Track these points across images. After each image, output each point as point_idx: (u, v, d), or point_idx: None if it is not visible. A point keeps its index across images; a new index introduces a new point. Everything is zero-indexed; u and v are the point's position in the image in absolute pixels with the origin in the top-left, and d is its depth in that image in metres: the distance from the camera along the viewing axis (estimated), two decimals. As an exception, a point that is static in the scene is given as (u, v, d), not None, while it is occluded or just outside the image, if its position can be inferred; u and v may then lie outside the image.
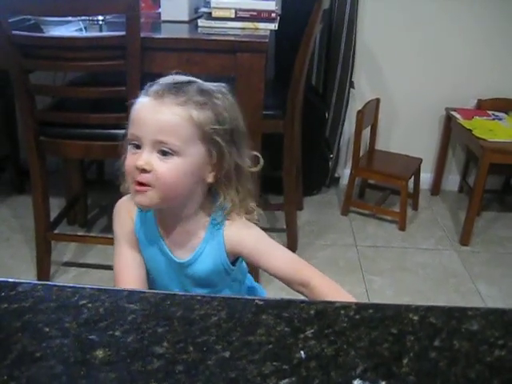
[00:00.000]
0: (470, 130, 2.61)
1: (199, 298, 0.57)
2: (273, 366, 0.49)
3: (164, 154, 0.92)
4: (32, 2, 1.74)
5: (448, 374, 0.49)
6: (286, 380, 0.47)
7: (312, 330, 0.53)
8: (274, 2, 2.02)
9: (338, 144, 3.06)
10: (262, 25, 1.99)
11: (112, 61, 1.81)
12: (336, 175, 3.19)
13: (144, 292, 0.58)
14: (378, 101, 2.92)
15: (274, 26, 2.00)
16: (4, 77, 1.95)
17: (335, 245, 2.58)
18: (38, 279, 2.18)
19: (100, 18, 2.11)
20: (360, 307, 0.57)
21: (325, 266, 2.39)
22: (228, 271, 1.05)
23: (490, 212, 2.96)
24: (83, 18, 2.10)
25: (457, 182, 3.20)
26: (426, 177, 3.10)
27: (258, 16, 2.00)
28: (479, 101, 2.96)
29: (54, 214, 2.21)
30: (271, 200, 2.75)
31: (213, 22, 2.01)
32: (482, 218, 2.86)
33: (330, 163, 3.05)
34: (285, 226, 2.46)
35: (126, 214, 1.06)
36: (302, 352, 0.50)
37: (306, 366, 0.49)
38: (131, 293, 0.58)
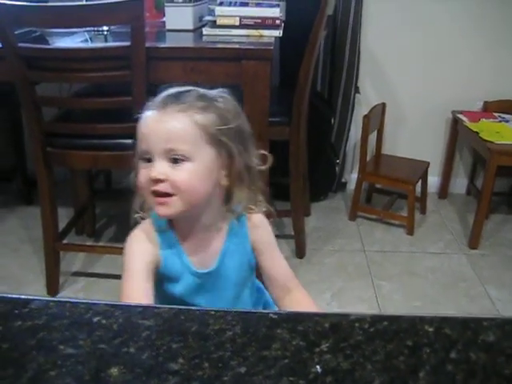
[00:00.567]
0: (477, 133, 2.60)
1: (213, 312, 0.56)
2: (289, 381, 0.48)
3: (175, 161, 0.93)
4: (37, 14, 1.75)
5: (466, 387, 0.48)
6: (303, 395, 0.47)
7: (327, 344, 0.53)
8: (278, 9, 2.02)
9: (345, 149, 3.06)
10: (266, 32, 1.99)
11: (117, 71, 1.82)
12: (343, 180, 3.18)
13: (158, 307, 0.58)
14: (383, 105, 2.91)
15: (278, 33, 2.00)
16: (11, 88, 1.96)
17: (343, 250, 2.57)
18: (47, 290, 2.18)
19: (105, 28, 2.12)
20: (375, 319, 0.56)
21: (333, 271, 2.39)
22: (251, 265, 1.10)
23: (499, 215, 2.95)
24: (88, 28, 2.12)
25: (464, 185, 3.19)
26: (434, 180, 3.09)
27: (263, 23, 2.01)
28: (485, 103, 2.95)
29: (62, 225, 2.22)
30: (278, 206, 2.74)
31: (217, 30, 2.02)
32: (490, 221, 2.84)
33: (337, 168, 3.05)
34: (293, 233, 2.45)
35: (145, 247, 1.02)
36: (317, 366, 0.50)
37: (322, 380, 0.48)
38: (145, 308, 0.58)
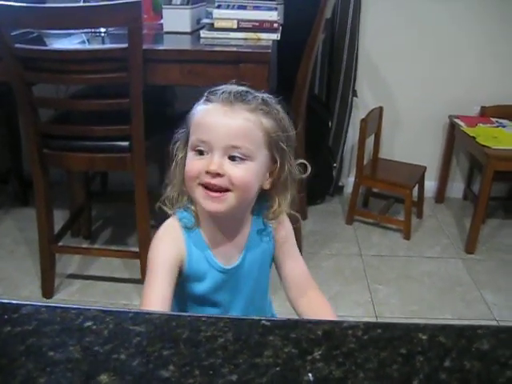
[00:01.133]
0: (474, 138, 2.60)
1: (204, 319, 0.56)
2: (281, 389, 0.48)
3: (234, 159, 0.94)
4: (35, 16, 1.74)
5: (459, 396, 0.48)
6: (295, 404, 0.46)
7: (320, 352, 0.52)
8: (276, 12, 2.02)
9: (342, 153, 3.06)
10: (264, 35, 1.99)
11: (114, 73, 1.81)
12: (340, 184, 3.18)
13: (149, 313, 0.57)
14: (381, 109, 2.91)
15: (276, 36, 2.00)
16: (7, 89, 1.96)
17: (340, 254, 2.57)
18: (42, 292, 2.17)
19: (102, 30, 2.12)
20: (368, 327, 0.56)
21: (330, 275, 2.38)
22: (271, 262, 1.12)
23: (495, 219, 2.95)
24: (86, 30, 2.11)
25: (461, 190, 3.18)
26: (431, 185, 3.09)
27: (261, 26, 2.00)
28: (483, 108, 2.95)
29: (58, 227, 2.21)
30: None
31: (215, 32, 2.01)
32: (487, 226, 2.84)
33: (334, 172, 3.04)
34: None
35: (171, 244, 1.02)
36: (309, 374, 0.49)
37: (314, 389, 0.48)
38: (136, 314, 0.57)
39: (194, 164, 0.95)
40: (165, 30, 2.10)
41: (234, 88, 0.99)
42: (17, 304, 0.57)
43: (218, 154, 0.93)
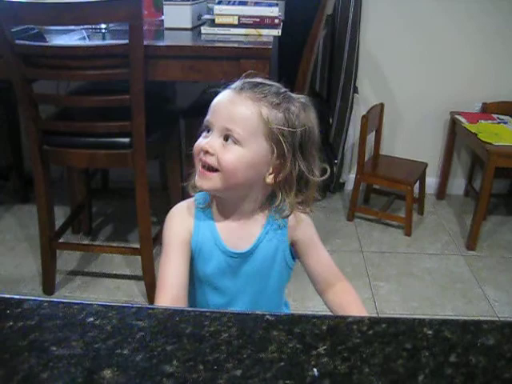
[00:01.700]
0: (475, 134, 2.60)
1: (208, 313, 0.56)
2: (285, 384, 0.47)
3: (227, 140, 0.97)
4: (35, 12, 1.73)
5: (465, 391, 0.48)
6: (299, 399, 0.46)
7: (325, 347, 0.52)
8: (277, 8, 2.01)
9: (343, 149, 3.05)
10: (265, 31, 1.99)
11: (115, 69, 1.80)
12: (341, 180, 3.18)
13: (152, 308, 0.57)
14: (382, 106, 2.90)
15: (277, 32, 2.00)
16: (8, 86, 1.95)
17: (341, 251, 2.56)
18: (43, 288, 2.17)
19: (103, 26, 2.11)
20: (373, 322, 0.56)
21: (331, 272, 2.37)
22: (287, 261, 1.12)
23: (497, 216, 2.95)
24: (86, 26, 2.11)
25: (462, 186, 3.18)
26: (432, 181, 3.09)
27: (262, 22, 2.00)
28: (484, 104, 2.94)
29: (58, 223, 2.21)
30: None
31: (216, 28, 2.01)
32: (488, 222, 2.84)
33: (335, 169, 3.04)
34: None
35: (181, 219, 1.08)
36: (314, 369, 0.49)
37: (319, 384, 0.48)
38: (139, 309, 0.57)
39: (199, 141, 1.01)
40: (165, 25, 2.10)
41: (257, 79, 1.03)
42: (19, 299, 0.57)
43: (216, 135, 0.98)
